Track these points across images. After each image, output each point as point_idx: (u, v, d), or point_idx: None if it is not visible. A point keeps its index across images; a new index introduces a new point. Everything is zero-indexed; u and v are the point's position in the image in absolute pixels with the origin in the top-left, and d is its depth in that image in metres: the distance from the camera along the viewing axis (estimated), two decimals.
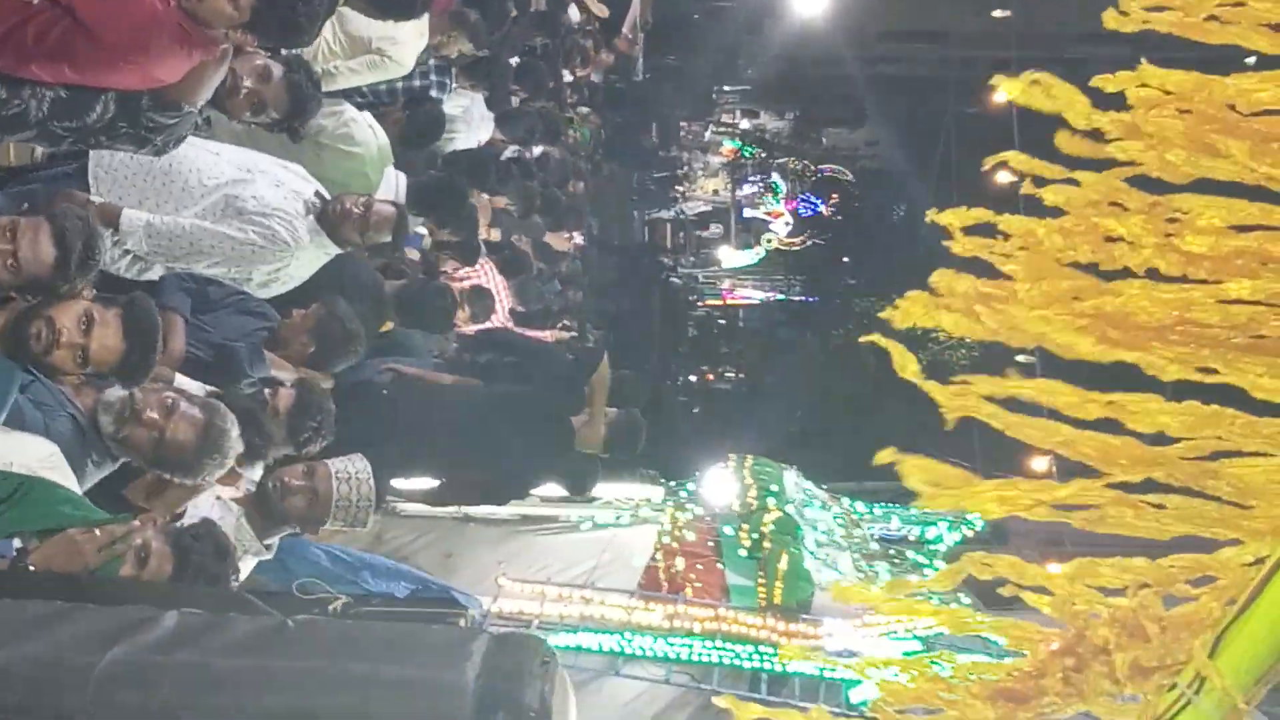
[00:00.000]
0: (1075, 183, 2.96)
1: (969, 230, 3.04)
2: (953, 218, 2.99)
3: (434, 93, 9.76)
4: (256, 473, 6.46)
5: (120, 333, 5.37)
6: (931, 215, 3.02)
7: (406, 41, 8.66)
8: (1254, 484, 2.95)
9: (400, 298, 8.64)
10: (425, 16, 8.56)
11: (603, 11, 17.58)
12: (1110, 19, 2.87)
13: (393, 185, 8.53)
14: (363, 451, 6.70)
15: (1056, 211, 3.00)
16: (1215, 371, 2.97)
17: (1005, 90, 2.98)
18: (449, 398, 8.93)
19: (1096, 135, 2.94)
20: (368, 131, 8.17)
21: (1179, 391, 3.04)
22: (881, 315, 3.04)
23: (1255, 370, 2.92)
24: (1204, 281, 2.93)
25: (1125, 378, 3.06)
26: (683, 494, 11.76)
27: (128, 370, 5.45)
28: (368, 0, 7.87)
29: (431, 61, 9.78)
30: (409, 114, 9.26)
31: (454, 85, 10.43)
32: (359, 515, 6.50)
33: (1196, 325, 2.93)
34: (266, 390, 6.57)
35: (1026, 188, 2.98)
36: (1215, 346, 2.94)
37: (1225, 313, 2.91)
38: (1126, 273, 2.97)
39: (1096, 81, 2.88)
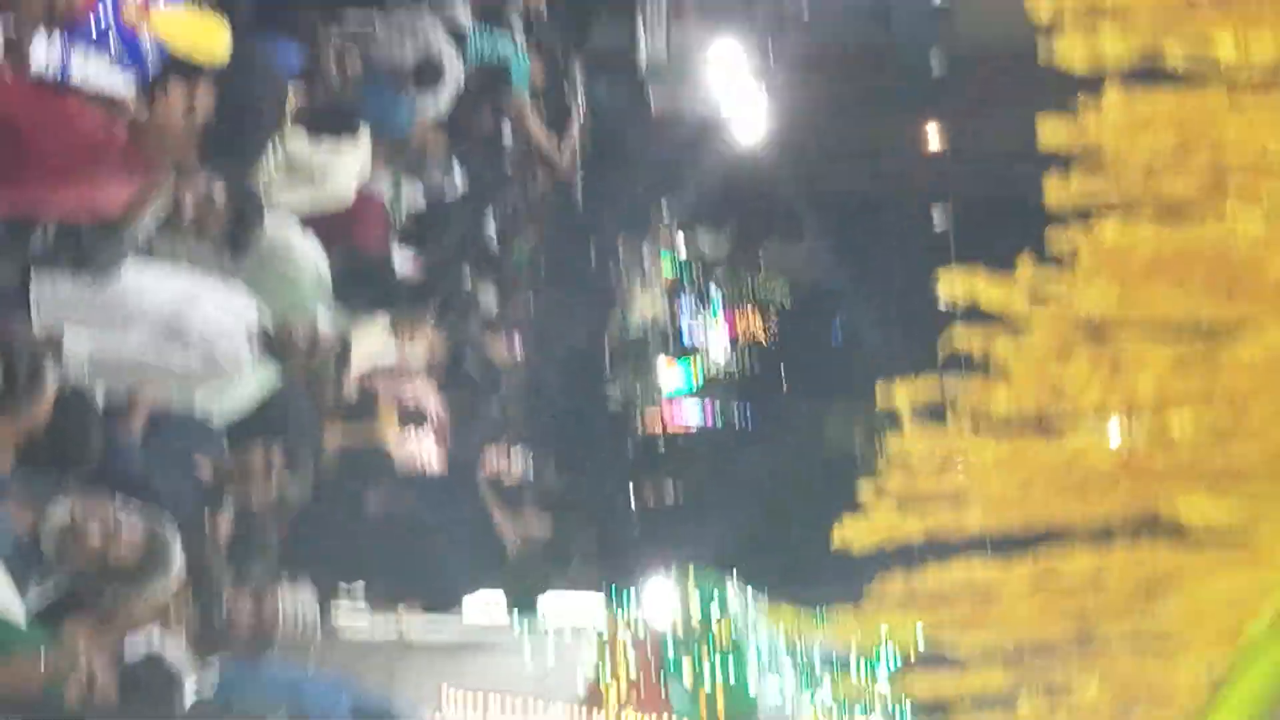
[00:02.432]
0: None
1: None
2: (904, 393, 3.08)
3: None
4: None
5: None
6: (882, 391, 3.11)
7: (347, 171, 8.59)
8: (1190, 615, 3.01)
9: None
10: (368, 148, 8.53)
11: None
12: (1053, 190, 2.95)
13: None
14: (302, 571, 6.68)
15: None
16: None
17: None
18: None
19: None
20: (308, 250, 7.89)
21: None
22: (835, 546, 3.14)
23: (1196, 502, 2.98)
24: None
25: None
26: (624, 606, 11.73)
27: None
28: (304, 122, 7.84)
29: None
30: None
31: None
32: (302, 645, 6.44)
33: (1141, 468, 2.99)
34: (206, 511, 6.54)
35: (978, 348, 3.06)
36: (1159, 484, 3.01)
37: (1169, 452, 2.98)
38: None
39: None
